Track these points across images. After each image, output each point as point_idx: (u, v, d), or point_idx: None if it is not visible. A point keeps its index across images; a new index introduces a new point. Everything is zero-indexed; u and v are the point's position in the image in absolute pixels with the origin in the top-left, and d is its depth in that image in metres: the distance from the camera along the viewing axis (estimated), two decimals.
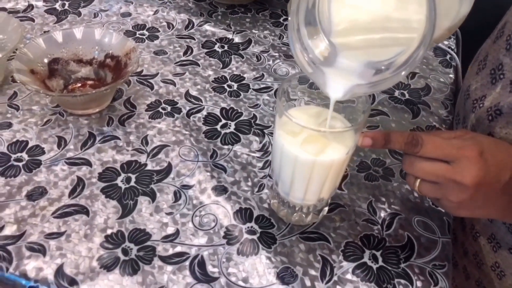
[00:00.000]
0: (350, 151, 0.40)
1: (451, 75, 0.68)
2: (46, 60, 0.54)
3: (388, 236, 0.47)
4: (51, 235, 0.43)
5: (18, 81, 0.50)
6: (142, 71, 0.63)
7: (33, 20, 0.70)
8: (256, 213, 0.47)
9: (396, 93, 0.64)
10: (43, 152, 0.51)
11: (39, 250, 0.42)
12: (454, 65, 0.70)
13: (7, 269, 0.41)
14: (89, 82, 0.56)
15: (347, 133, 0.39)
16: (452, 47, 0.73)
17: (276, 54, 0.68)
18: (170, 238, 0.44)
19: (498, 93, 0.45)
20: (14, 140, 0.51)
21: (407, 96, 0.63)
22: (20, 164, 0.49)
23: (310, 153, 0.39)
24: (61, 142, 0.52)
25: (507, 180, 0.37)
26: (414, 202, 0.50)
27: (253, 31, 0.72)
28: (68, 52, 0.56)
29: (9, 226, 0.44)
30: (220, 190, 0.49)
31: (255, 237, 0.45)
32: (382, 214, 0.48)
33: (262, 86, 0.63)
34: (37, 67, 0.53)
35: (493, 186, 0.37)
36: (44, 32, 0.67)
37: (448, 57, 0.71)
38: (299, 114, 0.42)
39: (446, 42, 0.74)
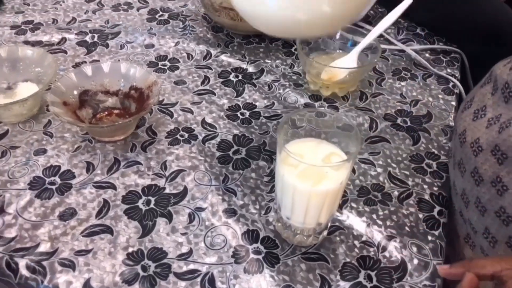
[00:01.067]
0: (344, 181, 0.45)
1: (453, 102, 0.72)
2: (76, 92, 0.61)
3: (383, 257, 0.51)
4: (80, 252, 0.49)
5: (52, 113, 0.56)
6: (163, 100, 0.68)
7: (65, 52, 0.77)
8: (262, 234, 0.52)
9: (399, 121, 0.68)
10: (74, 176, 0.57)
11: (69, 265, 0.48)
12: (456, 92, 0.74)
13: (42, 282, 0.47)
14: (115, 111, 0.63)
15: (341, 165, 0.44)
16: (456, 75, 0.77)
17: (287, 83, 0.73)
18: (184, 257, 0.49)
19: (477, 127, 0.49)
20: (49, 165, 0.58)
21: (408, 123, 0.67)
22: (53, 187, 0.55)
23: (307, 184, 0.44)
24: (90, 167, 0.58)
25: None
26: (409, 226, 0.54)
27: (266, 60, 0.78)
28: (96, 84, 0.62)
29: (44, 244, 0.50)
30: (230, 212, 0.54)
31: (260, 257, 0.50)
32: (379, 237, 0.53)
33: (272, 113, 0.68)
34: (68, 98, 0.59)
35: None
36: (76, 64, 0.74)
37: (450, 84, 0.75)
38: (298, 147, 0.47)
39: (449, 70, 0.78)
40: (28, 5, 0.89)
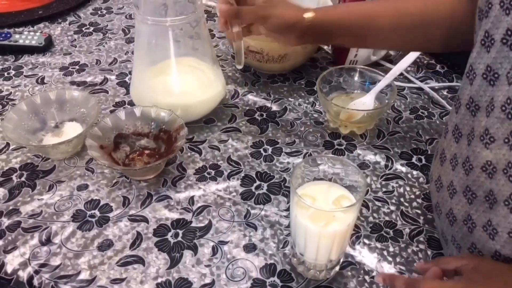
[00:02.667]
0: (351, 223, 0.49)
1: None
2: (111, 136, 0.68)
3: None
4: (115, 281, 0.55)
5: (90, 156, 0.63)
6: (193, 137, 0.75)
7: (107, 92, 0.85)
8: (279, 267, 0.57)
9: (414, 159, 0.71)
10: (111, 210, 0.63)
11: None
12: None
13: None
14: (146, 151, 0.69)
15: (348, 209, 0.48)
16: None
17: (308, 121, 0.78)
18: (207, 287, 0.54)
19: (446, 171, 0.53)
20: (89, 199, 0.65)
21: (423, 161, 0.71)
22: (93, 220, 0.62)
23: (317, 225, 0.48)
24: (126, 201, 0.64)
25: None
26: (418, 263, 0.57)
27: (289, 99, 0.83)
28: (129, 127, 0.69)
29: (84, 272, 0.56)
30: (250, 247, 0.59)
31: None
32: (389, 272, 0.56)
33: (293, 150, 0.73)
34: (105, 142, 0.66)
35: None
36: (116, 103, 0.82)
37: None
38: (310, 190, 0.52)
39: None
40: (75, 46, 0.98)
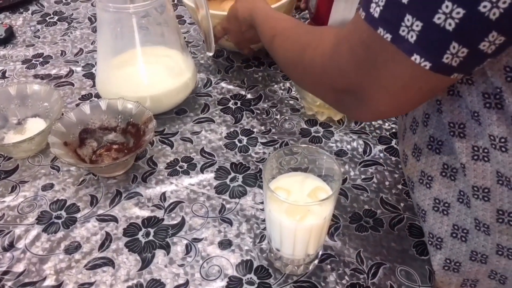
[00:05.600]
0: (328, 216, 0.47)
1: None
2: (76, 131, 0.64)
3: (373, 284, 0.52)
4: (83, 285, 0.52)
5: (54, 154, 0.59)
6: (164, 130, 0.71)
7: (73, 85, 0.80)
8: (256, 263, 0.54)
9: (393, 142, 0.69)
10: (78, 210, 0.60)
11: None
12: None
13: None
14: (114, 146, 0.66)
15: (324, 202, 0.46)
16: None
17: (284, 109, 0.75)
18: None
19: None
20: (55, 199, 0.61)
21: None
22: (59, 221, 0.59)
23: (292, 220, 0.46)
24: (93, 200, 0.61)
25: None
26: (399, 252, 0.55)
27: (265, 85, 0.80)
28: (95, 121, 0.65)
29: (50, 277, 0.53)
30: (226, 244, 0.56)
31: (253, 287, 0.52)
32: (369, 263, 0.54)
33: (269, 139, 0.70)
34: (69, 138, 0.62)
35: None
36: (82, 96, 0.78)
37: None
38: (285, 182, 0.49)
39: None
40: (38, 37, 0.93)
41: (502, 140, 0.40)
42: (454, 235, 0.48)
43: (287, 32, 0.55)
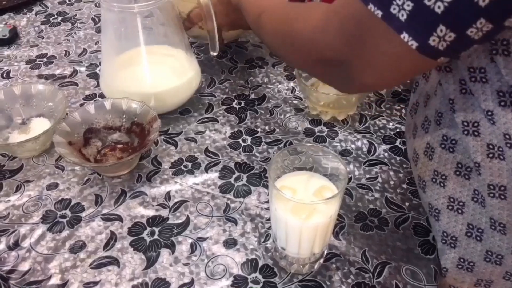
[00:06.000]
0: (333, 215, 0.47)
1: None
2: (80, 131, 0.64)
3: (378, 283, 0.52)
4: (88, 284, 0.52)
5: (59, 154, 0.60)
6: (168, 129, 0.71)
7: (77, 85, 0.81)
8: (261, 262, 0.54)
9: (397, 142, 0.69)
10: (83, 209, 0.60)
11: None
12: None
13: None
14: (119, 146, 0.66)
15: (330, 200, 0.46)
16: None
17: (288, 108, 0.75)
18: (186, 287, 0.52)
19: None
20: (60, 198, 0.61)
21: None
22: (64, 220, 0.59)
23: (298, 218, 0.46)
24: (98, 199, 0.61)
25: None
26: (405, 251, 0.55)
27: (268, 85, 0.80)
28: (99, 121, 0.65)
29: (55, 276, 0.53)
30: (231, 243, 0.56)
31: (258, 286, 0.52)
32: (374, 262, 0.54)
33: (273, 139, 0.70)
34: (74, 138, 0.62)
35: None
36: (86, 96, 0.78)
37: None
38: (290, 181, 0.49)
39: None
40: (42, 38, 0.93)
41: None
42: (469, 234, 0.48)
43: (275, 8, 0.56)
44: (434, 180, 0.50)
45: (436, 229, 0.52)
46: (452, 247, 0.50)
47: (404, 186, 0.63)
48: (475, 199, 0.47)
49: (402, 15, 0.35)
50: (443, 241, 0.51)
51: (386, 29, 0.36)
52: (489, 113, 0.41)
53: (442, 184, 0.49)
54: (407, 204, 0.61)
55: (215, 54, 0.71)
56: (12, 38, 0.91)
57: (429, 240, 0.56)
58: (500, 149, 0.41)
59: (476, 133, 0.43)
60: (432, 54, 0.36)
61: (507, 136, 0.40)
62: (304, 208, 0.46)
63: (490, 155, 0.42)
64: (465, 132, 0.44)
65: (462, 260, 0.50)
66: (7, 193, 0.62)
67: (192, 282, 0.52)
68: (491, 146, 0.42)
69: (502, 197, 0.43)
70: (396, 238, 0.57)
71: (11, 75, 0.83)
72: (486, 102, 0.41)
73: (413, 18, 0.34)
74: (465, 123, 0.43)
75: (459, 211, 0.48)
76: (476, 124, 0.43)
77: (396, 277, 0.53)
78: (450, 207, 0.49)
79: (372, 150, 0.68)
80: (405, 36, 0.35)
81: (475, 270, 0.49)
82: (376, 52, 0.39)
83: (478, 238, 0.48)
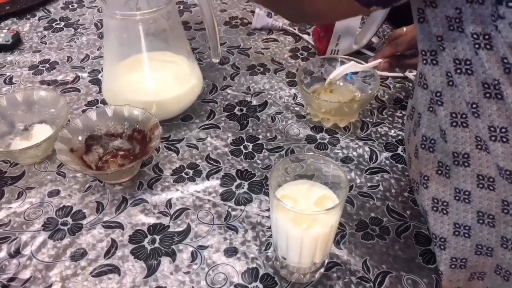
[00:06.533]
0: (334, 224, 0.47)
1: None
2: (82, 138, 0.64)
3: None
4: None
5: (60, 161, 0.60)
6: (169, 136, 0.71)
7: (79, 91, 0.81)
8: (262, 271, 0.54)
9: (399, 149, 0.69)
10: (84, 217, 0.60)
11: None
12: None
13: None
14: (120, 153, 0.66)
15: (331, 210, 0.46)
16: None
17: (289, 115, 0.75)
18: None
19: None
20: (61, 206, 0.61)
21: None
22: (65, 228, 0.59)
23: (299, 228, 0.46)
24: (99, 207, 0.61)
25: None
26: (406, 260, 0.55)
27: (270, 92, 0.80)
28: (101, 128, 0.65)
29: (56, 284, 0.53)
30: (231, 251, 0.56)
31: None
32: (375, 272, 0.54)
33: (274, 146, 0.70)
34: (75, 145, 0.62)
35: None
36: (88, 102, 0.78)
37: None
38: (291, 190, 0.49)
39: None
40: (45, 43, 0.93)
41: (503, 130, 0.40)
42: (456, 233, 0.48)
43: None
44: (421, 181, 0.51)
45: (429, 232, 0.53)
46: (442, 248, 0.50)
47: (406, 194, 0.63)
48: (457, 198, 0.47)
49: None
50: (434, 243, 0.51)
51: None
52: (474, 105, 0.41)
53: (425, 186, 0.50)
54: (408, 212, 0.60)
55: (216, 61, 0.72)
56: (15, 43, 0.91)
57: (431, 249, 0.56)
58: (485, 143, 0.42)
59: (464, 124, 0.43)
60: (364, 2, 0.40)
61: (492, 129, 0.40)
62: (305, 218, 0.46)
63: (479, 147, 0.43)
64: (454, 124, 0.44)
65: (454, 259, 0.50)
66: (8, 200, 0.62)
67: None
68: (478, 138, 0.42)
69: (491, 187, 0.43)
70: (397, 247, 0.57)
71: (13, 80, 0.83)
72: (471, 94, 0.41)
73: None
74: (453, 115, 0.43)
75: (444, 211, 0.49)
76: (464, 116, 0.43)
77: (397, 287, 0.53)
78: (435, 208, 0.49)
79: (374, 158, 0.68)
80: None
81: (468, 265, 0.50)
82: None
83: (467, 235, 0.48)
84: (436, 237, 0.50)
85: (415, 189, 0.54)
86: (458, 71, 0.41)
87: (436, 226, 0.50)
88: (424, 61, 0.44)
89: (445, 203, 0.48)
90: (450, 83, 0.43)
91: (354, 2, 0.40)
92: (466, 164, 0.44)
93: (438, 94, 0.44)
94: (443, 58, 0.42)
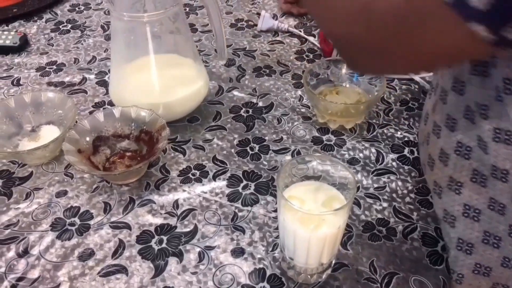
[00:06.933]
0: (342, 225, 0.47)
1: None
2: (89, 139, 0.64)
3: None
4: None
5: (68, 162, 0.60)
6: (176, 137, 0.72)
7: (86, 92, 0.81)
8: (269, 272, 0.54)
9: (406, 151, 0.69)
10: (92, 217, 0.60)
11: None
12: None
13: None
14: (128, 154, 0.66)
15: (338, 211, 0.46)
16: None
17: (295, 116, 0.75)
18: None
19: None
20: (69, 206, 0.62)
21: (415, 154, 0.68)
22: (73, 228, 0.59)
23: (307, 229, 0.46)
24: (107, 207, 0.61)
25: None
26: (413, 261, 0.55)
27: (276, 94, 0.80)
28: (108, 129, 0.66)
29: (64, 284, 0.53)
30: (238, 252, 0.56)
31: None
32: (382, 273, 0.54)
33: (281, 147, 0.70)
34: (83, 146, 0.63)
35: None
36: (95, 104, 0.78)
37: None
38: (298, 191, 0.49)
39: None
40: (52, 45, 0.94)
41: None
42: (485, 241, 0.48)
43: None
44: (449, 186, 0.50)
45: (450, 235, 0.52)
46: (468, 253, 0.50)
47: (412, 195, 0.63)
48: (491, 207, 0.46)
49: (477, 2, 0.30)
50: (458, 248, 0.51)
51: (452, 15, 0.32)
52: None
53: (457, 191, 0.49)
54: (415, 214, 0.60)
55: (223, 62, 0.72)
56: (23, 45, 0.92)
57: (438, 251, 0.56)
58: None
59: (508, 142, 0.43)
60: (508, 44, 0.32)
61: None
62: (312, 219, 0.46)
63: None
64: (496, 139, 0.43)
65: (478, 265, 0.49)
66: (16, 200, 0.63)
67: None
68: None
69: None
70: (404, 248, 0.57)
71: (21, 82, 0.84)
72: None
73: (494, 6, 0.30)
74: (497, 130, 0.43)
75: (475, 218, 0.48)
76: (509, 133, 0.42)
77: None
78: (466, 214, 0.49)
79: (380, 159, 0.68)
80: (475, 25, 0.31)
81: (492, 274, 0.49)
82: (430, 37, 0.35)
83: (496, 245, 0.47)
84: (463, 242, 0.50)
85: (436, 192, 0.53)
86: (507, 91, 0.41)
87: (465, 232, 0.49)
88: (475, 72, 0.44)
89: (477, 211, 0.48)
90: (499, 98, 0.42)
91: (483, 47, 0.33)
92: (504, 179, 0.44)
93: (484, 107, 0.44)
94: (494, 73, 0.42)
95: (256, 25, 0.99)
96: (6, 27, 0.99)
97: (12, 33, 0.92)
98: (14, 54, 0.91)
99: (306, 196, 0.49)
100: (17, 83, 0.84)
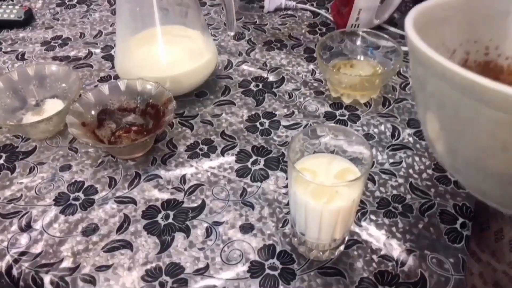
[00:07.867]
0: (356, 199, 0.44)
1: None
2: (94, 112, 0.62)
3: (402, 272, 0.50)
4: (100, 268, 0.50)
5: (72, 135, 0.58)
6: (184, 112, 0.69)
7: (91, 67, 0.79)
8: (279, 248, 0.52)
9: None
10: (96, 192, 0.58)
11: (90, 281, 0.49)
12: None
13: None
14: (134, 128, 0.64)
15: (352, 183, 0.43)
16: None
17: (307, 91, 0.73)
18: (201, 272, 0.50)
19: None
20: (73, 180, 0.60)
21: None
22: (77, 203, 0.57)
23: (319, 202, 0.44)
24: (112, 182, 0.59)
25: None
26: (430, 239, 0.52)
27: (287, 68, 0.77)
28: (114, 102, 0.64)
29: (67, 259, 0.51)
30: (247, 228, 0.54)
31: (276, 273, 0.50)
32: (398, 250, 0.52)
33: (292, 122, 0.67)
34: (87, 119, 0.61)
35: None
36: (101, 78, 0.76)
37: None
38: (310, 164, 0.47)
39: None
40: (58, 20, 0.92)
41: None
42: None
43: None
44: None
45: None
46: None
47: (430, 171, 0.60)
48: None
49: None
50: None
51: None
52: None
53: None
54: (432, 190, 0.58)
55: (232, 33, 0.69)
56: (28, 20, 0.89)
57: (457, 228, 0.53)
58: None
59: None
60: None
61: None
62: (325, 191, 0.44)
63: None
64: None
65: None
66: (20, 174, 0.61)
67: (207, 267, 0.50)
68: None
69: None
70: (421, 225, 0.54)
71: (25, 56, 0.82)
72: None
73: None
74: None
75: None
76: None
77: (421, 266, 0.50)
78: None
79: (396, 135, 0.65)
80: None
81: None
82: None
83: None
84: None
85: None
86: None
87: None
88: None
89: None
90: None
91: None
92: None
93: None
94: None
95: (263, 7, 0.95)
96: (10, 1, 0.97)
97: (17, 7, 0.90)
98: (18, 29, 0.89)
99: (319, 168, 0.47)
100: (21, 57, 0.82)
